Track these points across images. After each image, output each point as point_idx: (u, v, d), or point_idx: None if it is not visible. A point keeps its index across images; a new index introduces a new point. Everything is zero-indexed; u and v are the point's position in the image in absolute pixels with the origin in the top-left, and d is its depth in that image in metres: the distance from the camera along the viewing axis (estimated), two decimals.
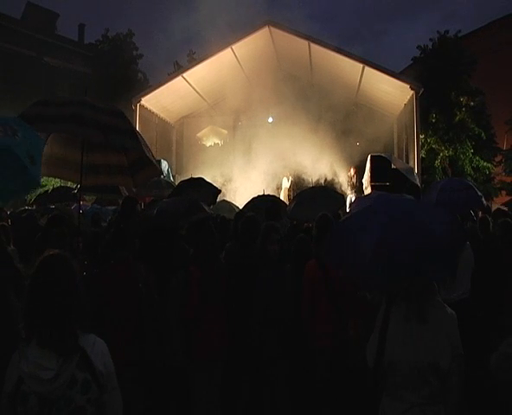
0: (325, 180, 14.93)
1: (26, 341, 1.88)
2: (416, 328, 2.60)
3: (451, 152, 18.44)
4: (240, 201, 11.28)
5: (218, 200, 8.82)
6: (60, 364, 1.82)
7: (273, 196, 8.88)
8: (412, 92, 14.88)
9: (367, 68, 15.31)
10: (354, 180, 14.96)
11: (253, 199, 8.43)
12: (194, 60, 19.16)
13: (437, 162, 18.40)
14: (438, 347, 2.58)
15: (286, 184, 15.44)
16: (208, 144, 18.37)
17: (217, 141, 18.36)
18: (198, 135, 18.41)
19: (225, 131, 18.37)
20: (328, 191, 8.93)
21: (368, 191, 13.31)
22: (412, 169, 14.39)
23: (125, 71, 23.93)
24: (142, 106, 16.56)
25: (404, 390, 2.59)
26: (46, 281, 1.90)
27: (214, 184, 8.82)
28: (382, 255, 2.39)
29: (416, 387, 2.56)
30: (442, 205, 6.28)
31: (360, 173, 14.84)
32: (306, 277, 4.13)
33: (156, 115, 17.81)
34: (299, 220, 7.65)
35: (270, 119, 17.74)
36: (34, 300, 1.90)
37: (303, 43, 15.98)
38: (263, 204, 7.28)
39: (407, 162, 15.46)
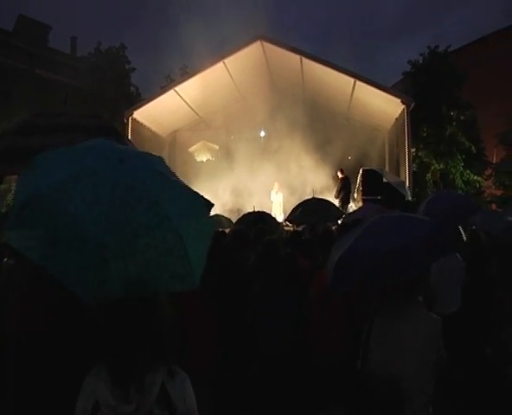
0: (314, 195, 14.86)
1: (100, 365, 1.76)
2: (396, 340, 2.68)
3: (442, 166, 18.70)
4: (233, 216, 11.35)
5: (211, 214, 8.90)
6: (138, 398, 1.69)
7: (263, 212, 9.06)
8: (403, 106, 15.02)
9: (358, 83, 15.45)
10: (339, 187, 14.45)
11: (244, 215, 8.61)
12: (186, 74, 19.30)
13: (428, 176, 18.63)
14: (416, 360, 2.64)
15: (278, 198, 15.16)
16: (200, 160, 18.42)
17: (209, 156, 18.43)
18: (190, 150, 18.48)
19: (216, 147, 18.46)
20: (327, 204, 9.40)
21: (360, 205, 13.39)
22: (404, 183, 14.52)
23: (118, 84, 24.03)
24: (134, 120, 16.59)
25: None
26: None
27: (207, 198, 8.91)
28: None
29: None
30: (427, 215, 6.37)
31: (351, 181, 14.79)
32: (315, 289, 4.14)
33: (148, 128, 17.85)
34: (304, 223, 8.60)
35: (262, 133, 17.88)
36: (111, 322, 1.76)
37: (295, 58, 16.14)
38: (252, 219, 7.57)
39: (399, 175, 15.61)
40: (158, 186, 1.94)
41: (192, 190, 2.13)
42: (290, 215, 9.19)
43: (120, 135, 4.25)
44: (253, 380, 4.11)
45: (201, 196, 2.11)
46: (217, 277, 4.35)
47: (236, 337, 4.10)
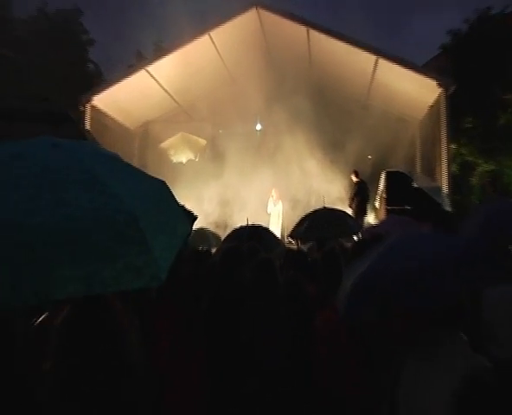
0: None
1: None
2: (430, 388, 2.80)
3: (492, 166, 18.95)
4: (219, 231, 11.78)
5: (194, 227, 9.27)
6: None
7: (259, 226, 9.48)
8: (439, 89, 15.32)
9: (381, 61, 15.82)
10: (353, 193, 15.13)
11: (235, 231, 9.07)
12: (161, 51, 19.61)
13: (473, 179, 18.94)
14: None
15: (277, 209, 15.66)
16: (177, 160, 18.73)
17: (191, 156, 18.73)
18: (162, 145, 18.76)
19: (203, 141, 18.84)
20: (343, 215, 9.89)
21: (381, 215, 13.71)
22: (440, 189, 14.86)
23: (71, 60, 23.95)
24: (93, 107, 16.93)
25: None
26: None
27: (190, 209, 9.33)
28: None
29: None
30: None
31: (369, 186, 15.28)
32: (321, 333, 4.68)
33: (113, 119, 18.24)
34: (311, 240, 9.17)
35: (258, 126, 18.40)
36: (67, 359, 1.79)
37: (300, 30, 16.52)
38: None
39: (434, 179, 15.94)
40: (104, 167, 2.04)
41: (159, 181, 2.37)
42: (294, 230, 9.55)
43: (76, 123, 4.60)
44: (251, 396, 4.73)
45: (182, 206, 2.47)
46: (206, 301, 4.97)
47: (231, 354, 4.72)
